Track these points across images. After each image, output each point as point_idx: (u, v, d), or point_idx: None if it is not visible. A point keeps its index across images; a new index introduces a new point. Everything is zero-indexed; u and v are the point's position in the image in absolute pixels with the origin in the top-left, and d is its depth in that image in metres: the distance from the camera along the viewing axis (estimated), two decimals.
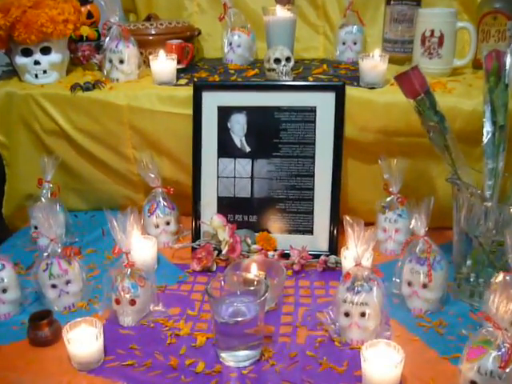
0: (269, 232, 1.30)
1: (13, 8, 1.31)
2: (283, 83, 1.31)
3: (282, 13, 1.48)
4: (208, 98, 1.30)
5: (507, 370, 0.79)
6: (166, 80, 1.38)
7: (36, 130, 1.39)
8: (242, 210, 1.32)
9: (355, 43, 1.55)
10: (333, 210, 1.27)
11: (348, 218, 0.96)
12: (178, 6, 1.72)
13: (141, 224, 1.32)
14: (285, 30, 1.49)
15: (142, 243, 1.22)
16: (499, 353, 0.80)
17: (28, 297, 1.13)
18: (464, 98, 1.23)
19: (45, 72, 1.41)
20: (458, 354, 0.90)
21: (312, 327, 1.03)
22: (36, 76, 1.41)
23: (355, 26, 1.55)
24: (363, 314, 0.95)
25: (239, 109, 1.29)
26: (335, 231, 1.27)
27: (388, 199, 1.28)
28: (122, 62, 1.40)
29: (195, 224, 1.33)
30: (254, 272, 1.09)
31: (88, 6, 1.61)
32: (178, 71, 1.43)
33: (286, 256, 1.25)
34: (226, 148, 1.31)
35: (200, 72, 1.48)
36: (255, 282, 0.98)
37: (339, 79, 1.34)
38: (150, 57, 1.39)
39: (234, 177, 1.31)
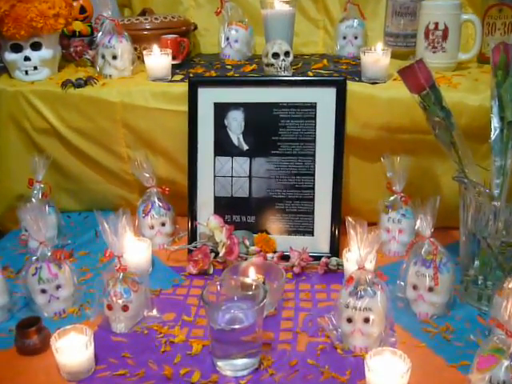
0: (268, 233, 1.27)
1: (1, 2, 1.28)
2: (282, 78, 1.27)
3: (280, 6, 1.44)
4: (204, 94, 1.26)
5: None
6: (160, 76, 1.34)
7: (26, 129, 1.36)
8: (239, 211, 1.28)
9: (356, 37, 1.53)
10: (334, 209, 1.23)
11: (350, 219, 0.92)
12: (174, 0, 1.69)
13: (135, 225, 1.29)
14: (283, 23, 1.45)
15: (135, 245, 1.18)
16: None
17: (17, 302, 1.10)
18: (470, 93, 1.20)
19: (35, 68, 1.38)
20: (466, 362, 0.88)
21: (313, 333, 0.99)
22: (26, 72, 1.37)
23: (356, 20, 1.52)
24: (367, 320, 0.91)
25: (236, 105, 1.26)
26: (337, 232, 1.24)
27: (391, 198, 1.25)
28: (115, 57, 1.37)
29: (191, 225, 1.29)
30: (252, 276, 1.04)
31: (80, 1, 1.57)
32: (174, 67, 1.39)
33: (285, 258, 1.21)
34: (223, 146, 1.27)
35: (196, 68, 1.44)
36: (253, 287, 0.93)
37: (340, 74, 1.31)
38: (144, 52, 1.35)
39: (232, 176, 1.28)
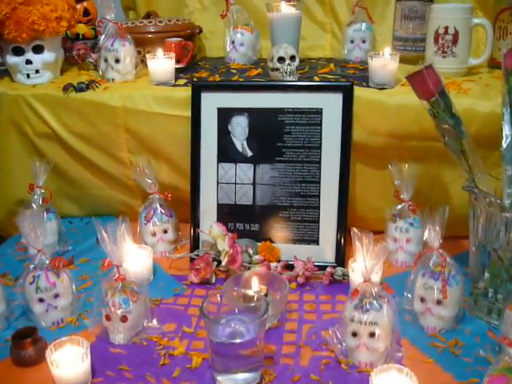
0: (272, 242, 1.24)
1: (2, 4, 1.26)
2: (287, 83, 1.25)
3: (286, 9, 1.42)
4: (207, 98, 1.24)
5: None
6: (163, 80, 1.32)
7: (27, 133, 1.34)
8: (243, 218, 1.25)
9: (364, 41, 1.50)
10: (340, 218, 1.20)
11: (356, 229, 0.89)
12: (179, 3, 1.68)
13: (137, 232, 1.27)
14: (290, 27, 1.42)
15: (136, 253, 1.16)
16: None
17: (15, 311, 1.07)
18: (481, 100, 1.17)
19: (37, 72, 1.36)
20: (475, 379, 0.85)
21: (317, 347, 0.96)
22: (28, 76, 1.36)
23: (364, 24, 1.50)
24: (372, 335, 0.88)
25: (240, 110, 1.23)
26: (342, 241, 1.20)
27: (399, 207, 1.21)
28: (117, 61, 1.35)
29: (194, 233, 1.26)
30: (255, 286, 1.02)
31: (84, 3, 1.57)
32: (178, 71, 1.37)
33: (289, 267, 1.18)
34: (227, 152, 1.25)
35: (201, 72, 1.42)
36: (255, 299, 0.91)
37: (347, 79, 1.28)
38: (147, 56, 1.33)
39: (235, 183, 1.25)
